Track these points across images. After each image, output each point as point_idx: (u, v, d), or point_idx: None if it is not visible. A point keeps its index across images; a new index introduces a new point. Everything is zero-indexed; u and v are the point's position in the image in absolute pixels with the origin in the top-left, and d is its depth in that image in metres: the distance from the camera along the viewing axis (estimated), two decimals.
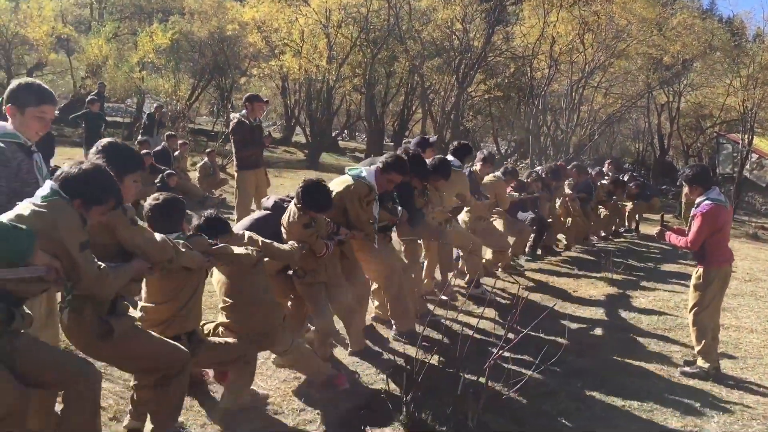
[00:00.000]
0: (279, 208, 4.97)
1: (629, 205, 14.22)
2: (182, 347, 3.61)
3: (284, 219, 4.75)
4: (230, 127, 8.47)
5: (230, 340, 4.13)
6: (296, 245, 4.54)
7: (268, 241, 4.36)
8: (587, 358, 5.80)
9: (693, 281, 5.66)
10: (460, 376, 4.30)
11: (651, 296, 8.46)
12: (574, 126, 24.27)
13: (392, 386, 4.60)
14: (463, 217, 7.89)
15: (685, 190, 5.69)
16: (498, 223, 9.07)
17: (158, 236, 3.43)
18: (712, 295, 5.56)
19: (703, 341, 5.54)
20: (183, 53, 28.17)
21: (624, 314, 7.47)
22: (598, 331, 6.72)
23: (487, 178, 8.47)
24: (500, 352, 4.17)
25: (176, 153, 13.50)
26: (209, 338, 4.10)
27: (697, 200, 5.55)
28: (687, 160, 28.21)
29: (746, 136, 23.85)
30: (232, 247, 4.06)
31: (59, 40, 28.08)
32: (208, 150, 15.18)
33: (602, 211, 12.92)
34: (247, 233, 4.29)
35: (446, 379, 4.74)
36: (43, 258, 2.82)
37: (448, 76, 25.77)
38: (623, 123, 33.29)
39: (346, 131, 43.17)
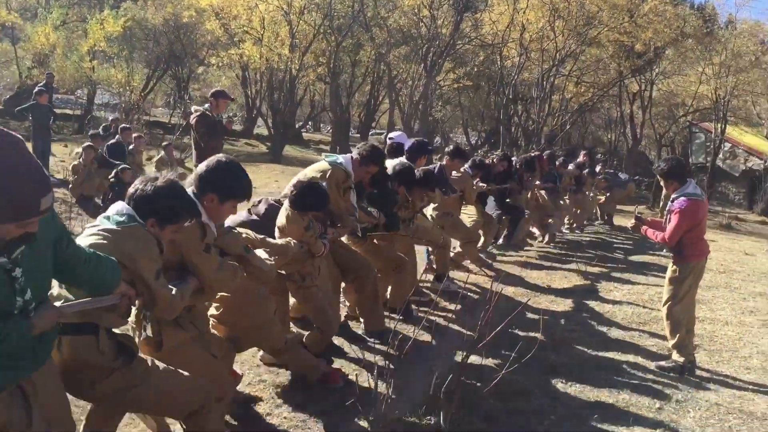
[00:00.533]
0: (272, 212, 4.88)
1: (602, 198, 14.48)
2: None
3: (280, 223, 4.70)
4: (193, 120, 8.44)
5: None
6: (292, 241, 4.53)
7: (261, 236, 4.35)
8: (561, 354, 5.86)
9: (668, 274, 5.75)
10: (432, 374, 4.31)
11: (625, 289, 8.59)
12: (545, 116, 24.49)
13: (362, 386, 4.59)
14: (429, 211, 7.94)
15: (663, 183, 5.72)
16: (468, 214, 9.13)
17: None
18: (687, 289, 5.66)
19: (678, 335, 5.64)
20: (136, 41, 27.78)
21: (598, 308, 7.57)
22: (573, 326, 6.79)
23: (455, 173, 8.50)
24: (473, 349, 4.19)
25: (131, 147, 13.29)
26: None
27: (673, 195, 5.61)
28: (660, 150, 28.67)
29: (719, 125, 24.33)
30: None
31: (3, 28, 27.47)
32: (164, 143, 15.00)
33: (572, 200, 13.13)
34: (241, 230, 4.24)
35: (418, 378, 4.75)
36: (121, 286, 2.83)
37: (415, 65, 25.80)
38: (595, 112, 33.73)
39: (310, 123, 43.00)
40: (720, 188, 28.10)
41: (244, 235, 4.18)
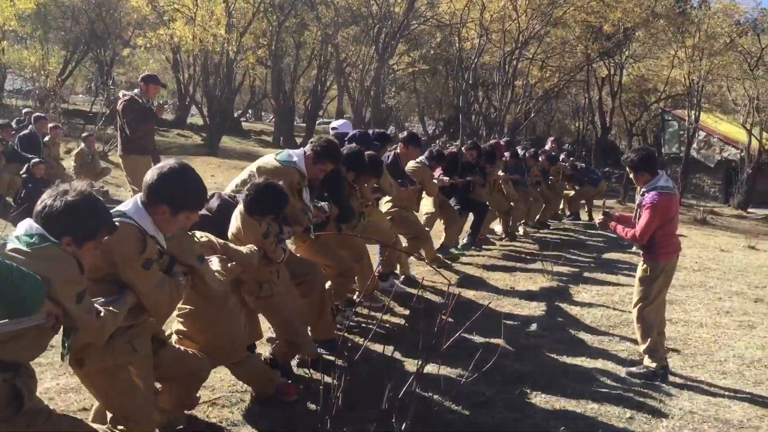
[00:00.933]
0: (225, 209, 4.82)
1: (571, 192, 14.70)
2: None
3: (234, 228, 4.62)
4: (120, 106, 8.33)
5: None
6: (254, 248, 4.49)
7: (223, 241, 4.31)
8: (526, 362, 5.93)
9: (639, 274, 5.84)
10: (385, 387, 4.31)
11: (594, 290, 8.72)
12: (508, 103, 24.75)
13: (309, 401, 4.58)
14: (384, 206, 7.96)
15: (633, 175, 5.80)
16: (428, 205, 9.23)
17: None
18: (659, 289, 5.75)
19: (649, 338, 5.74)
20: (52, 20, 27.20)
21: (565, 311, 7.68)
22: (538, 331, 6.87)
23: (411, 164, 8.51)
24: (429, 358, 4.20)
25: (46, 138, 13.00)
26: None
27: (644, 189, 5.68)
28: (630, 140, 29.26)
29: (693, 112, 24.93)
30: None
31: None
32: (85, 134, 14.71)
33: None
34: (198, 233, 4.16)
35: (370, 391, 4.75)
36: (46, 305, 2.79)
37: (366, 47, 25.83)
38: (562, 99, 34.30)
39: (250, 111, 42.68)
40: (695, 180, 28.83)
41: (204, 239, 4.15)
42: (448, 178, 9.48)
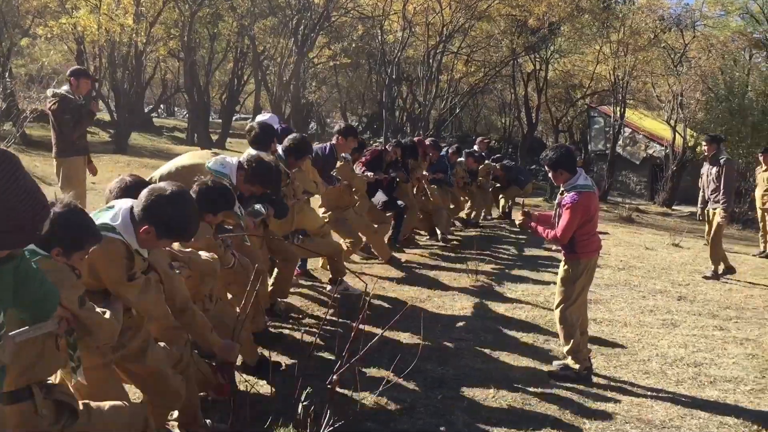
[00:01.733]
0: None
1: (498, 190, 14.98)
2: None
3: None
4: (53, 105, 8.13)
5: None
6: (215, 255, 4.56)
7: (187, 250, 4.37)
8: (449, 365, 5.98)
9: (560, 274, 5.95)
10: (298, 395, 4.28)
11: (519, 290, 8.87)
12: (432, 98, 24.97)
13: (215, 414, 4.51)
14: (319, 210, 8.12)
15: (552, 174, 5.89)
16: (360, 206, 9.35)
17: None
18: (581, 288, 5.87)
19: (572, 340, 5.85)
20: None
21: (490, 312, 7.78)
22: (461, 334, 6.94)
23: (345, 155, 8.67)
24: (346, 364, 4.19)
25: None
26: None
27: (563, 187, 5.79)
28: (557, 136, 29.87)
29: (618, 109, 25.61)
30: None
31: None
32: None
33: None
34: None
35: (281, 401, 4.71)
36: (57, 310, 2.93)
37: (284, 40, 25.67)
38: (487, 94, 34.80)
39: (162, 106, 41.91)
40: (620, 177, 29.64)
41: (167, 249, 4.21)
42: (372, 174, 9.54)
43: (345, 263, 8.29)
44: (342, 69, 32.36)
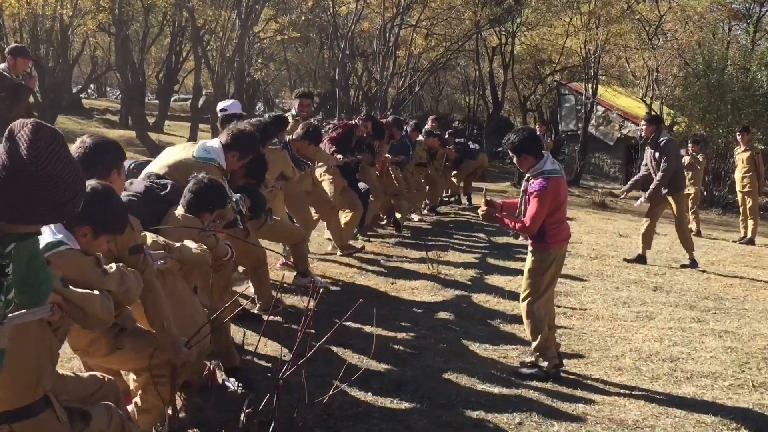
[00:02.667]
0: (151, 194, 5.01)
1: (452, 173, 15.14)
2: None
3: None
4: None
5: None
6: (205, 247, 4.77)
7: (175, 243, 4.53)
8: (407, 366, 5.99)
9: (528, 265, 5.98)
10: (243, 399, 4.26)
11: (485, 281, 8.94)
12: (390, 75, 24.94)
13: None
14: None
15: (516, 160, 5.96)
16: (327, 187, 9.53)
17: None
18: (549, 280, 5.92)
19: (540, 335, 5.89)
20: None
21: (453, 307, 7.82)
22: (422, 331, 6.96)
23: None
24: (292, 368, 4.16)
25: None
26: None
27: (529, 174, 5.81)
28: (525, 115, 30.09)
29: (590, 85, 25.84)
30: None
31: None
32: None
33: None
34: (149, 234, 4.41)
35: (224, 410, 4.68)
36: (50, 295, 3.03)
37: (227, 12, 25.35)
38: (450, 71, 34.87)
39: (92, 86, 41.30)
40: (594, 160, 29.90)
41: (152, 240, 4.41)
42: (341, 156, 9.56)
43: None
44: (291, 44, 32.15)
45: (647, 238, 10.85)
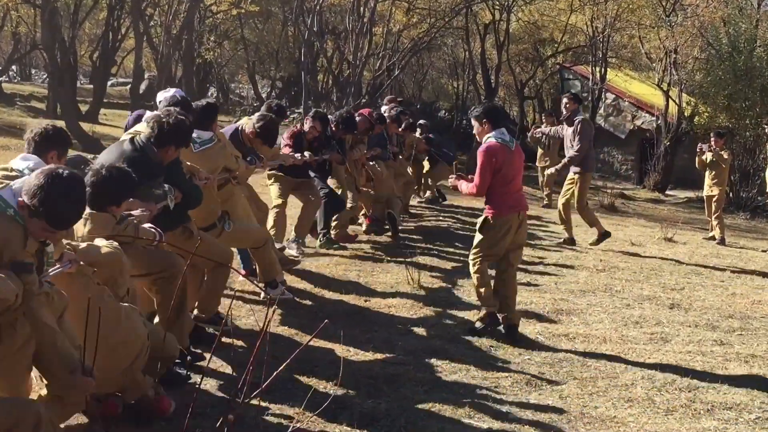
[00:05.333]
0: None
1: (426, 166, 15.29)
2: None
3: (81, 232, 5.06)
4: None
5: None
6: (116, 244, 4.90)
7: (79, 244, 4.68)
8: (382, 397, 5.96)
9: (478, 225, 7.52)
10: None
11: (470, 299, 8.89)
12: (365, 56, 24.90)
13: None
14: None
15: (477, 129, 7.55)
16: (275, 191, 9.75)
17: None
18: (491, 244, 7.39)
19: (484, 288, 7.50)
20: None
21: (435, 328, 7.81)
22: (399, 356, 6.94)
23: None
24: (246, 399, 4.15)
25: None
26: None
27: (482, 140, 7.38)
28: (522, 103, 30.12)
29: (598, 69, 25.90)
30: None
31: None
32: None
33: None
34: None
35: None
36: None
37: None
38: (435, 52, 34.83)
39: (14, 68, 41.02)
40: (602, 155, 29.96)
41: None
42: (299, 155, 9.57)
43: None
44: (249, 20, 32.06)
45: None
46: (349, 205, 11.30)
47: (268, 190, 10.08)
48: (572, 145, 12.24)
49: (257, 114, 8.81)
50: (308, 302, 8.40)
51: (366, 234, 11.94)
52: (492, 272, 7.74)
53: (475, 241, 7.54)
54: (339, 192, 10.81)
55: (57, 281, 4.35)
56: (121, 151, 5.85)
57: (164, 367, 5.34)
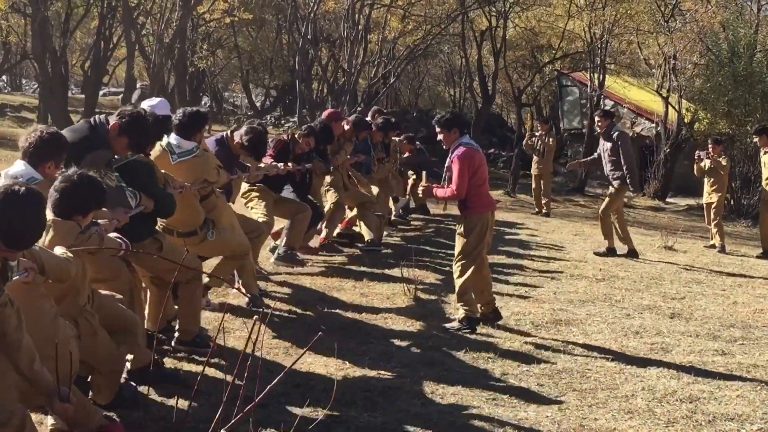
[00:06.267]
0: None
1: (410, 180, 15.24)
2: None
3: (43, 241, 4.87)
4: None
5: None
6: (68, 252, 4.77)
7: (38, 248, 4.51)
8: (378, 411, 5.95)
9: (457, 230, 8.07)
10: None
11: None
12: (360, 64, 24.94)
13: None
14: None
15: (444, 136, 8.11)
16: (256, 206, 9.62)
17: None
18: (476, 243, 7.93)
19: (466, 293, 8.00)
20: None
21: (432, 339, 7.80)
22: (395, 368, 6.93)
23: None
24: (237, 415, 4.13)
25: None
26: None
27: (451, 147, 7.98)
28: (520, 110, 30.12)
29: (596, 76, 25.93)
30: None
31: None
32: None
33: None
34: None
35: None
36: None
37: None
38: (431, 59, 34.92)
39: (4, 78, 41.04)
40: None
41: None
42: (282, 165, 9.56)
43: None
44: (242, 27, 32.10)
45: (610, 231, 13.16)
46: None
47: (249, 208, 9.79)
48: (613, 160, 12.79)
49: (245, 125, 8.78)
50: (302, 314, 8.39)
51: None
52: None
53: (459, 248, 8.06)
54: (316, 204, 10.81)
55: (11, 290, 4.22)
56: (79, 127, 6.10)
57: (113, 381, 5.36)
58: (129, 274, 6.16)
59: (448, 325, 8.13)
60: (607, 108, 13.97)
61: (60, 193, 4.94)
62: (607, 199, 13.16)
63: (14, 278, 4.15)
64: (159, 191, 6.40)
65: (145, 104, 8.18)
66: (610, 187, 13.08)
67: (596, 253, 12.98)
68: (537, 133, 17.72)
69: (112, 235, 5.49)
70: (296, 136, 10.48)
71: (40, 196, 4.07)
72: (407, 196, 15.34)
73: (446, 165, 8.06)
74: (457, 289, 8.09)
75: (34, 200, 3.95)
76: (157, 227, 6.76)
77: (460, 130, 8.08)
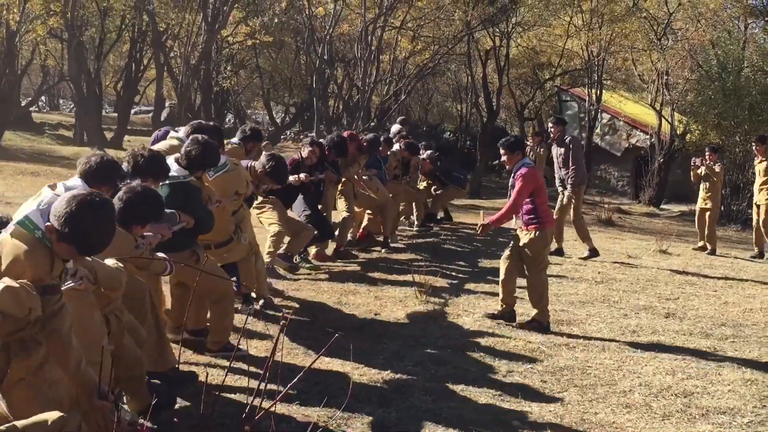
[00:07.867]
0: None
1: (430, 186, 15.28)
2: None
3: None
4: None
5: None
6: (120, 264, 4.80)
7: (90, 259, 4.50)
8: (392, 407, 5.94)
9: (529, 245, 8.14)
10: None
11: (477, 310, 8.88)
12: (373, 82, 24.97)
13: None
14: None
15: (507, 157, 8.35)
16: (270, 215, 9.61)
17: None
18: (546, 255, 8.39)
19: (544, 299, 8.22)
20: None
21: (442, 340, 7.78)
22: (408, 367, 6.92)
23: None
24: (261, 411, 4.13)
25: None
26: None
27: (514, 168, 8.22)
28: (522, 124, 30.11)
29: (594, 91, 25.91)
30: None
31: None
32: None
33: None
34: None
35: None
36: None
37: (191, 15, 25.44)
38: (439, 77, 34.94)
39: (43, 98, 41.26)
40: (599, 172, 29.97)
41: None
42: (295, 177, 9.59)
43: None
44: (263, 49, 32.18)
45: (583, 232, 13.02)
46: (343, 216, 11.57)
47: (261, 220, 9.79)
48: (565, 164, 12.63)
49: (263, 156, 8.69)
50: (320, 317, 8.39)
51: (357, 249, 12.11)
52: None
53: (535, 257, 8.21)
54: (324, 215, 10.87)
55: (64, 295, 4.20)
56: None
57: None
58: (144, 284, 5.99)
59: (515, 324, 8.34)
60: (558, 116, 14.02)
61: (124, 203, 4.93)
62: (570, 205, 12.77)
63: (68, 284, 4.16)
64: (201, 211, 6.40)
65: (182, 133, 8.10)
66: (566, 191, 12.75)
67: (582, 258, 12.73)
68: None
69: (159, 255, 5.50)
70: (300, 152, 10.45)
71: (113, 207, 4.08)
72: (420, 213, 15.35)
73: (510, 183, 8.34)
74: (534, 298, 8.29)
75: (109, 210, 3.95)
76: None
77: (522, 153, 8.43)
